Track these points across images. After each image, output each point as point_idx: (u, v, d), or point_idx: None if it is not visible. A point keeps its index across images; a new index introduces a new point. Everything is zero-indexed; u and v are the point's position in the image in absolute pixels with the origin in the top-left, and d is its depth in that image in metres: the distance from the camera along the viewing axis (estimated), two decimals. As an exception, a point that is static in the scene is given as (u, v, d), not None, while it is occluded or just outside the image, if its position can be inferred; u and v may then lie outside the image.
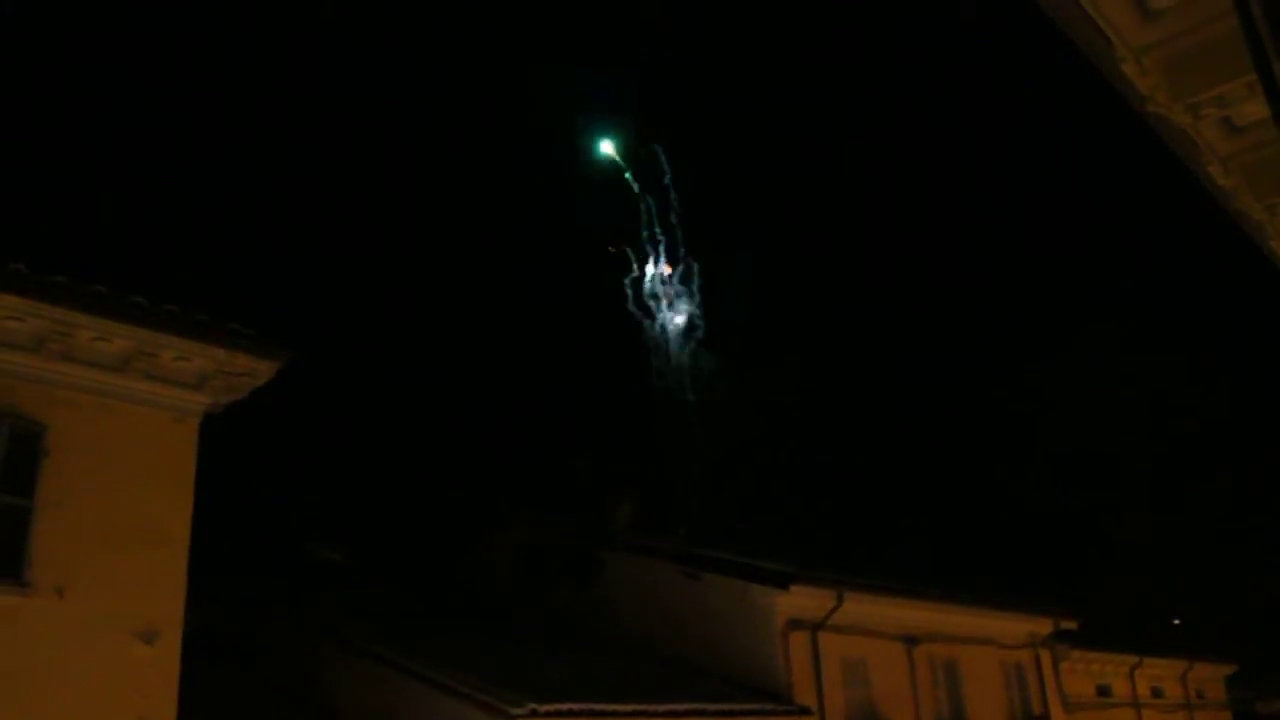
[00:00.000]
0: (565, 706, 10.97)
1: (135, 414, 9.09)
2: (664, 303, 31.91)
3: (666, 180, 32.56)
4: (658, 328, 31.80)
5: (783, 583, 14.99)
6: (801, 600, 15.42)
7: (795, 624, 15.48)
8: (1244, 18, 2.86)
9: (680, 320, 31.89)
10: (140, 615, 8.66)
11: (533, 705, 10.56)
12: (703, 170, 42.03)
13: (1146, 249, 51.03)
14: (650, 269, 32.02)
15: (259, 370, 9.66)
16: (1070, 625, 21.44)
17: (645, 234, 32.36)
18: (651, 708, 12.09)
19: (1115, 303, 47.48)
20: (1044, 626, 21.01)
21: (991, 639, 19.67)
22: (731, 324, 33.38)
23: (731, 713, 13.51)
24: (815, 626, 15.68)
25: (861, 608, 16.45)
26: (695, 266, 32.19)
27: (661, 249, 32.15)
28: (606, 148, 33.16)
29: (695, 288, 31.94)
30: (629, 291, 32.09)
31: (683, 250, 32.38)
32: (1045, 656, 21.10)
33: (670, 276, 32.01)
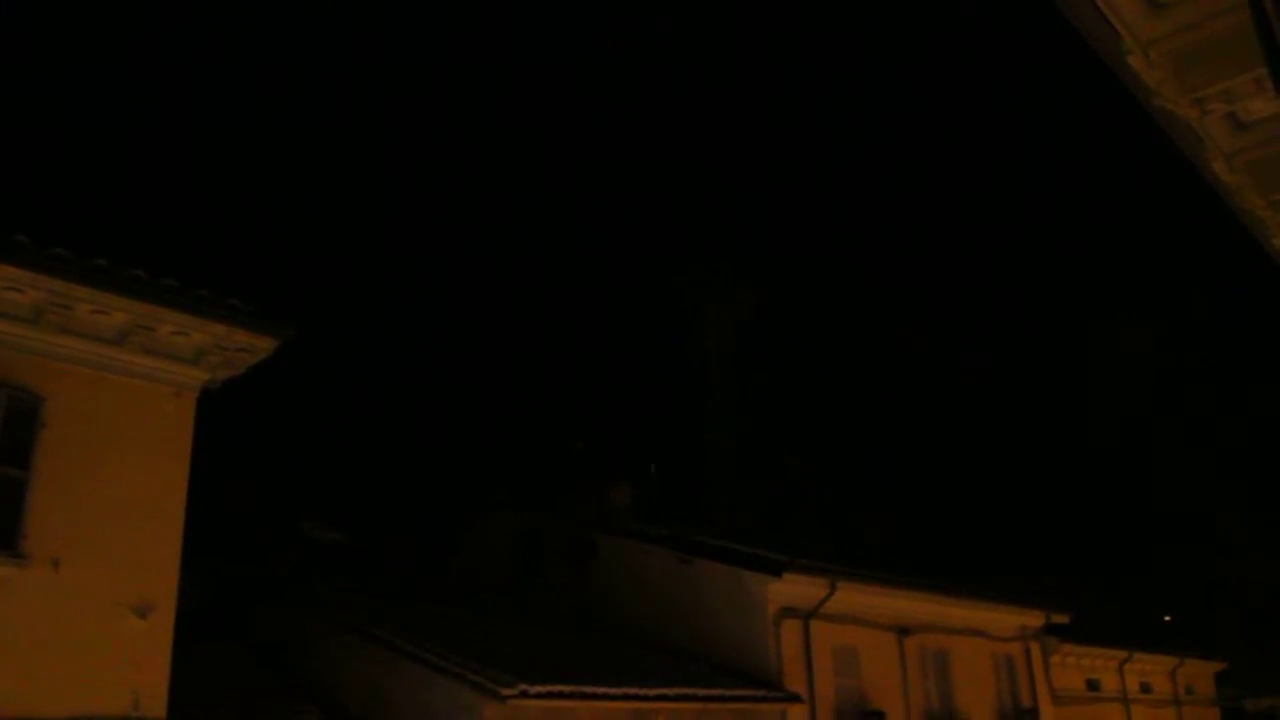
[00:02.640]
0: (556, 688, 11.02)
1: (133, 388, 9.10)
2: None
3: None
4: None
5: (775, 570, 15.03)
6: (794, 588, 15.47)
7: (787, 612, 15.54)
8: (1256, 12, 2.84)
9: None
10: (135, 589, 8.69)
11: (523, 686, 10.60)
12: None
13: (1147, 248, 50.99)
14: None
15: (258, 346, 9.66)
16: (1061, 619, 21.53)
17: None
18: (642, 691, 12.14)
19: (1114, 303, 47.50)
20: (1035, 619, 21.10)
21: (982, 631, 19.75)
22: (739, 316, 33.34)
23: (722, 698, 13.55)
24: (807, 615, 15.74)
25: (854, 597, 16.51)
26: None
27: None
28: None
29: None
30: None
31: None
32: (1035, 649, 21.19)
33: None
